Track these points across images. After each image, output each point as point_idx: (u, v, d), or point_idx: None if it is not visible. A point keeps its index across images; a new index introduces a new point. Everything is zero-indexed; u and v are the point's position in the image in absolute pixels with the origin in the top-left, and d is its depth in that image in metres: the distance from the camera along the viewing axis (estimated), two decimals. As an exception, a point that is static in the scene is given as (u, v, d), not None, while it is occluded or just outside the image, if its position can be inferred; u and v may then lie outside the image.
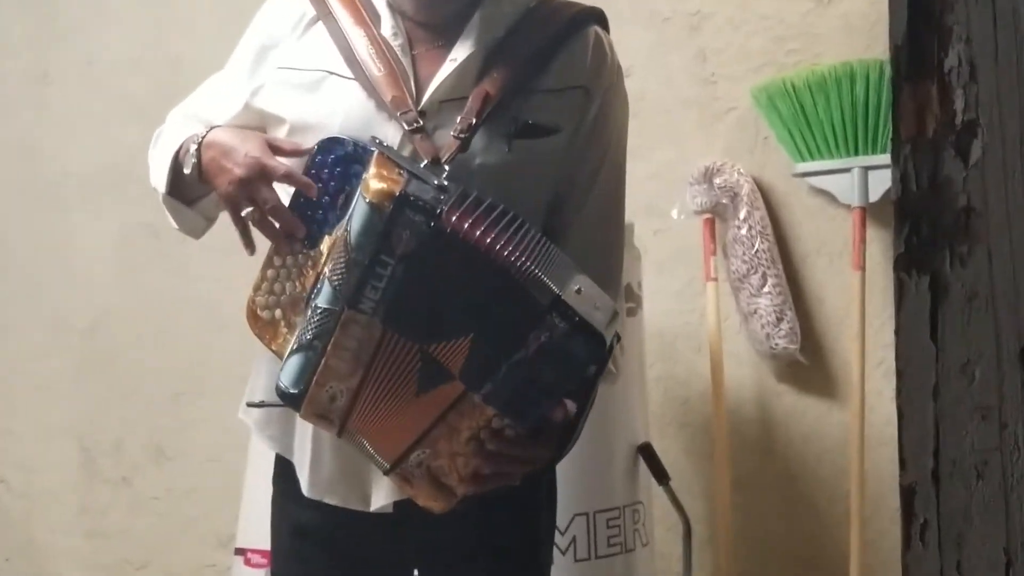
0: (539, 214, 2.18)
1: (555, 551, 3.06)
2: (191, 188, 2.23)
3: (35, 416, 4.46)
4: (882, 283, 3.61)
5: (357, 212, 1.96)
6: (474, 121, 2.11)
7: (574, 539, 3.16)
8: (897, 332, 1.38)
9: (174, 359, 4.31)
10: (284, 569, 2.41)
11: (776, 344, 3.61)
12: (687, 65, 3.81)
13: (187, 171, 2.16)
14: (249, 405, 2.29)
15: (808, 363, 3.67)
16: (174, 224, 2.33)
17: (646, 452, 3.29)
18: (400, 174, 1.97)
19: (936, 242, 1.36)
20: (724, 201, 3.65)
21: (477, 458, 2.03)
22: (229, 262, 4.05)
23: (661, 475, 3.32)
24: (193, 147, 2.15)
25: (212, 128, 2.18)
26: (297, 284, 2.09)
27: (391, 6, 2.23)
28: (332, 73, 2.19)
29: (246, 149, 2.09)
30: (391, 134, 2.13)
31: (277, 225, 2.08)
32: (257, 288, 2.12)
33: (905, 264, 1.37)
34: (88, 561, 4.44)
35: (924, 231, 1.36)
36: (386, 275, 1.95)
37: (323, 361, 2.01)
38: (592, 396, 2.02)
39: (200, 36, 4.24)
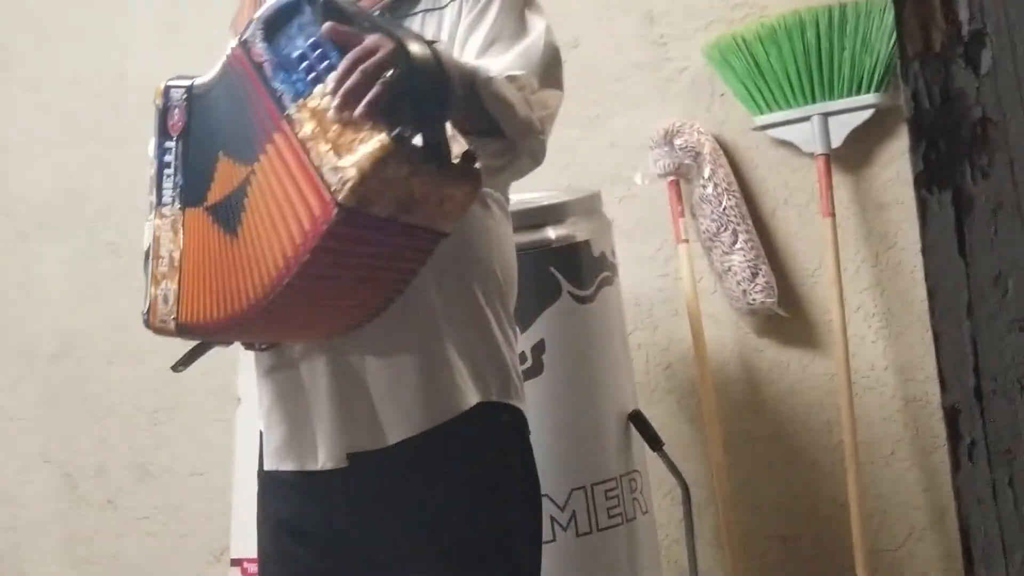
0: None
1: (557, 528, 3.09)
2: None
3: (13, 447, 4.39)
4: (853, 228, 3.62)
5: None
6: None
7: (574, 514, 3.14)
8: (924, 252, 1.37)
9: (147, 377, 4.25)
10: (271, 569, 2.39)
11: (753, 299, 3.60)
12: (635, 29, 3.78)
13: None
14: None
15: (787, 315, 3.67)
16: None
17: (637, 420, 3.28)
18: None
19: (955, 156, 1.35)
20: (687, 162, 3.64)
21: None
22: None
23: (654, 441, 3.30)
24: None
25: None
26: None
27: None
28: None
29: None
30: None
31: None
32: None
33: (925, 182, 1.35)
34: (80, 590, 4.39)
35: (941, 146, 1.35)
36: (172, 160, 2.03)
37: (151, 271, 2.08)
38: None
39: (143, 51, 4.20)
